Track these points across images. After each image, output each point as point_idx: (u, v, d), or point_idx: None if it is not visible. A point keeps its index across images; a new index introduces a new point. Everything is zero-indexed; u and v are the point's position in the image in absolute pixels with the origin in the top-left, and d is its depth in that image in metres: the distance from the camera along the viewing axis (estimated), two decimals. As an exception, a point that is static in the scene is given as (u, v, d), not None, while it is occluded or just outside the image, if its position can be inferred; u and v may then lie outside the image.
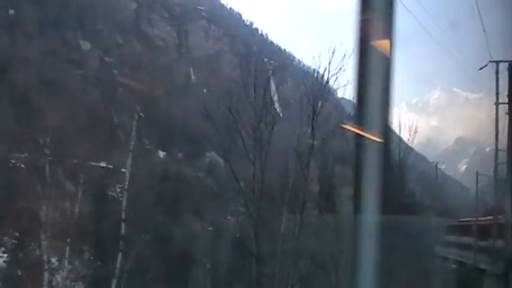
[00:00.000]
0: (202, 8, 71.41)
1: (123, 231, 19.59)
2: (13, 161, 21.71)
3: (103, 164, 25.61)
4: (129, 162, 24.72)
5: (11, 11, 37.87)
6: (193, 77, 41.63)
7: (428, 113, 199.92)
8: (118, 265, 18.46)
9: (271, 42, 74.26)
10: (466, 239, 33.45)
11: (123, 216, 19.76)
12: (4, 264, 15.42)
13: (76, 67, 36.67)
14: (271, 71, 48.83)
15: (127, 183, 21.85)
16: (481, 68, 25.08)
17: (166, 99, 38.82)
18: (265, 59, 59.77)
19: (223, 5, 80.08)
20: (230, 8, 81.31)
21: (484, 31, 21.36)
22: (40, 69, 31.52)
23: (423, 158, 66.26)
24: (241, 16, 79.84)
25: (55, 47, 37.02)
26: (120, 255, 19.33)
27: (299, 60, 73.09)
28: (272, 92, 42.42)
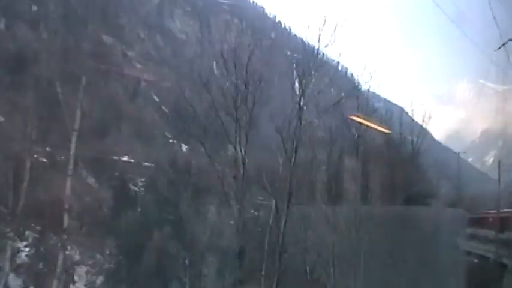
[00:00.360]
0: (225, 1, 71.38)
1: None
2: (35, 156, 21.76)
3: (125, 158, 25.54)
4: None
5: (34, 7, 38.09)
6: (216, 71, 41.25)
7: (456, 104, 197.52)
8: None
9: (295, 35, 73.93)
10: (487, 232, 32.74)
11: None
12: (26, 259, 15.30)
13: (99, 61, 36.52)
14: (294, 64, 48.46)
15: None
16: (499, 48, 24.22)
17: (190, 93, 38.61)
18: (288, 52, 59.66)
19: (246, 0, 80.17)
20: (253, 2, 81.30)
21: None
22: (62, 64, 31.56)
23: (448, 149, 65.42)
24: (264, 9, 79.71)
25: (78, 41, 37.05)
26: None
27: (323, 53, 72.78)
28: (295, 85, 42.14)
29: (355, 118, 31.23)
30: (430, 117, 35.42)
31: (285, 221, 22.07)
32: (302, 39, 64.46)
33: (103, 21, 45.47)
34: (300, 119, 30.50)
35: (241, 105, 29.27)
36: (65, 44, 33.62)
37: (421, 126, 35.78)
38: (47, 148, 22.64)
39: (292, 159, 25.83)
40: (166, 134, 31.27)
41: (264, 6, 78.91)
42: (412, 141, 33.24)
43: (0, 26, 32.77)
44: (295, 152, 26.37)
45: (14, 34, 30.19)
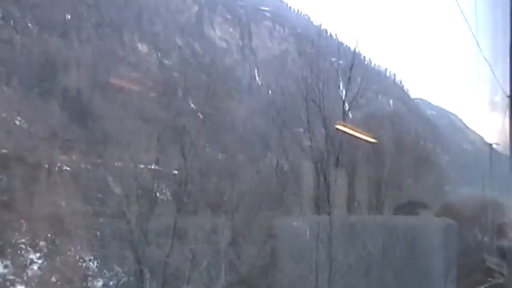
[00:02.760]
0: (267, 8, 70.39)
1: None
2: (58, 164, 20.89)
3: (155, 167, 24.51)
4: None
5: (68, 16, 37.71)
6: (257, 78, 40.35)
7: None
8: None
9: (341, 43, 72.35)
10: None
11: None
12: (39, 271, 14.19)
13: (133, 70, 35.85)
14: (339, 71, 47.26)
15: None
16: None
17: (230, 101, 37.64)
18: (333, 59, 58.43)
19: (289, 7, 79.28)
20: (298, 11, 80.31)
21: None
22: (95, 72, 30.99)
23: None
24: (309, 18, 78.61)
25: (112, 49, 36.57)
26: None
27: (370, 60, 71.65)
28: (341, 92, 40.79)
29: (340, 127, 30.42)
30: (484, 124, 33.76)
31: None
32: (349, 47, 62.20)
33: (138, 29, 45.01)
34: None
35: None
36: (97, 52, 33.20)
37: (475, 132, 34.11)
38: (73, 156, 21.75)
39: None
40: (204, 142, 30.27)
41: (309, 15, 77.77)
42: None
43: (33, 34, 32.46)
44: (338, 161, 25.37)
45: (45, 43, 29.64)
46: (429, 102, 72.90)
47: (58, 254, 15.33)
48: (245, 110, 37.99)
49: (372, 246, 23.42)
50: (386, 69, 71.39)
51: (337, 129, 29.79)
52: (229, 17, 64.18)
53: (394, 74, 71.75)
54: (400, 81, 69.66)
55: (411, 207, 30.40)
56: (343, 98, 40.65)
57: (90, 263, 15.88)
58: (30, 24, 32.36)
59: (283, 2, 76.62)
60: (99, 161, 21.35)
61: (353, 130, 30.75)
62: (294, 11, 78.98)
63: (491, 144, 36.21)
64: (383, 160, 33.09)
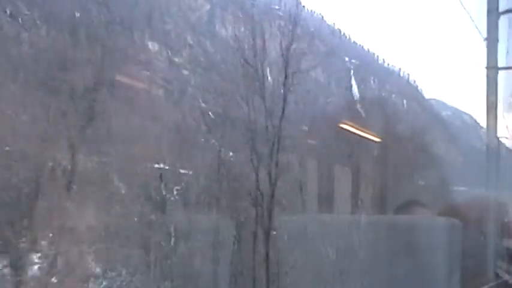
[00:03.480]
0: (279, 8, 70.03)
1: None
2: (64, 163, 20.53)
3: (162, 166, 24.25)
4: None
5: (77, 13, 37.42)
6: (269, 78, 39.79)
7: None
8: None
9: (354, 43, 72.12)
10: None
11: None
12: (38, 272, 13.81)
13: (143, 68, 35.57)
14: (352, 70, 46.96)
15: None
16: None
17: (241, 99, 37.23)
18: (346, 58, 58.16)
19: (303, 7, 78.56)
20: (311, 11, 79.71)
21: None
22: (104, 70, 30.65)
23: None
24: (322, 17, 78.14)
25: (121, 47, 36.29)
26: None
27: (383, 59, 71.18)
28: (353, 91, 40.42)
29: (343, 126, 30.45)
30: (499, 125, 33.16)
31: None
32: (362, 47, 62.08)
33: (148, 28, 44.68)
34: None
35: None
36: (105, 50, 32.81)
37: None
38: (80, 155, 21.37)
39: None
40: (213, 141, 30.00)
41: (322, 14, 77.29)
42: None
43: (41, 32, 32.23)
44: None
45: (54, 40, 29.32)
46: (444, 103, 72.28)
47: (60, 254, 14.92)
48: (255, 110, 37.52)
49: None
50: (400, 69, 71.02)
51: (340, 127, 29.72)
52: (241, 15, 63.76)
53: (408, 74, 71.34)
54: (414, 81, 69.19)
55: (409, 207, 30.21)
56: (356, 97, 40.46)
57: (93, 263, 15.46)
58: (38, 21, 32.09)
59: (296, 0, 76.27)
60: (106, 159, 21.12)
61: (356, 129, 30.76)
62: (308, 10, 78.61)
63: (498, 138, 35.45)
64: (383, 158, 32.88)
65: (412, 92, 59.80)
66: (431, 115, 55.57)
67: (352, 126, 32.20)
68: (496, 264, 30.91)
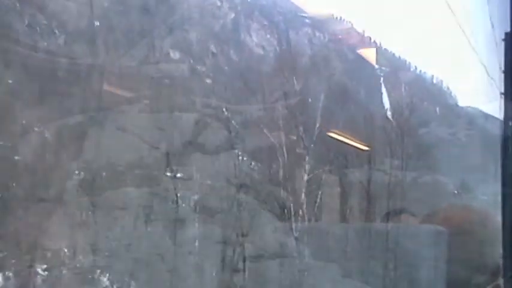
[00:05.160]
0: (306, 15, 68.89)
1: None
2: (76, 171, 20.08)
3: (179, 175, 23.91)
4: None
5: (96, 23, 37.06)
6: (296, 85, 39.11)
7: None
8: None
9: (385, 49, 71.07)
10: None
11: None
12: (43, 285, 13.18)
13: (164, 76, 35.13)
14: (382, 77, 45.94)
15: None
16: None
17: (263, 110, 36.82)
18: (376, 66, 57.22)
19: (331, 14, 77.74)
20: (340, 18, 78.83)
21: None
22: (123, 79, 30.14)
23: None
24: (352, 25, 77.26)
25: (141, 56, 35.72)
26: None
27: (415, 66, 69.95)
28: (383, 98, 39.41)
29: (332, 135, 30.07)
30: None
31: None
32: (393, 53, 61.31)
33: (170, 36, 44.02)
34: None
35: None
36: (125, 59, 32.38)
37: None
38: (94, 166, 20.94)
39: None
40: (235, 150, 29.56)
41: (351, 22, 76.38)
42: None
43: (59, 42, 31.83)
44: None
45: (71, 49, 28.96)
46: (480, 110, 70.61)
47: (64, 265, 14.30)
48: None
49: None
50: (433, 75, 69.67)
51: (329, 136, 29.43)
52: (266, 23, 62.92)
53: (441, 81, 69.92)
54: (448, 88, 67.72)
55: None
56: (387, 105, 39.50)
57: (101, 275, 14.85)
58: (56, 31, 31.71)
59: (324, 8, 75.53)
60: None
61: (345, 137, 30.34)
62: (336, 17, 77.81)
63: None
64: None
65: (445, 99, 58.38)
66: (466, 123, 54.06)
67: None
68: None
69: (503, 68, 18.17)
